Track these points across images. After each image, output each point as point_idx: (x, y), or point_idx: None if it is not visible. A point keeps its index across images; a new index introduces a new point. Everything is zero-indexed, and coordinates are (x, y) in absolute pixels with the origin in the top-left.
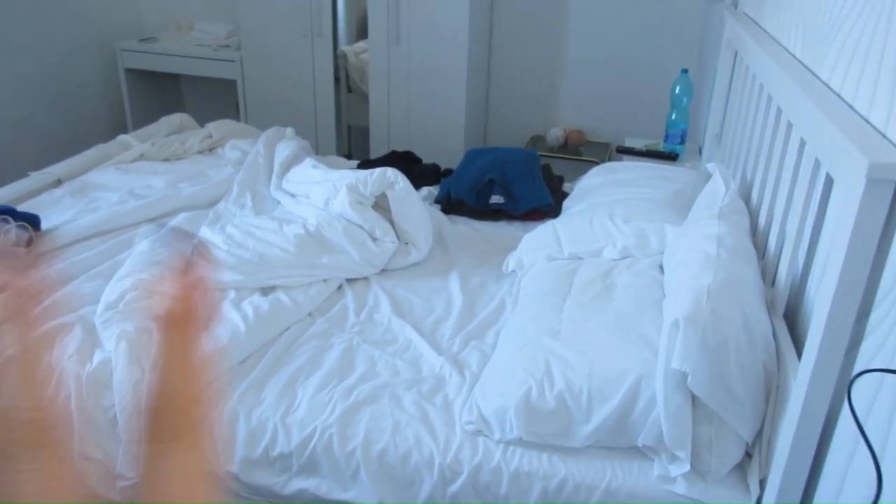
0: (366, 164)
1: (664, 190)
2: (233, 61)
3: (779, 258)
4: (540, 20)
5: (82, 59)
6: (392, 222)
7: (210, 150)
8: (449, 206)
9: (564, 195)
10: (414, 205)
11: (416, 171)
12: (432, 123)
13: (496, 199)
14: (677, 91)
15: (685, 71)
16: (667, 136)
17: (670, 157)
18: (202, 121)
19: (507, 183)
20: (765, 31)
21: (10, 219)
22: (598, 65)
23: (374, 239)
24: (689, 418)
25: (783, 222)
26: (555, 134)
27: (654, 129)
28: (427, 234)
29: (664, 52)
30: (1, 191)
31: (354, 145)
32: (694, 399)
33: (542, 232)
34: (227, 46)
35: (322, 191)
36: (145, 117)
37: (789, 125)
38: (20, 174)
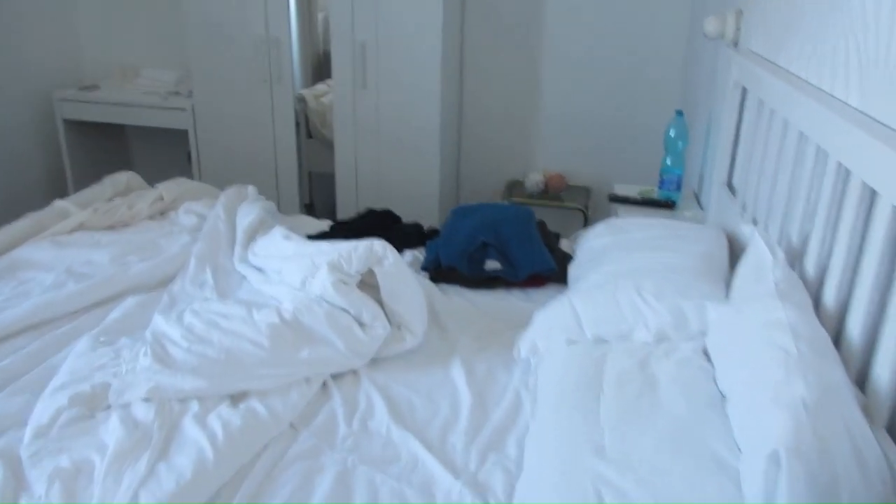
0: (340, 226)
1: (689, 254)
2: (184, 110)
3: (871, 352)
4: (513, 59)
5: (15, 109)
6: (380, 302)
7: (161, 214)
8: (438, 273)
9: (565, 255)
10: (407, 282)
11: (397, 231)
12: (403, 172)
13: (492, 264)
14: (672, 134)
15: (680, 113)
16: (661, 183)
17: (667, 205)
18: (151, 176)
19: (502, 245)
20: (790, 71)
21: None
22: (576, 106)
23: (362, 324)
24: None
25: (868, 302)
26: (534, 179)
27: (637, 173)
28: (422, 315)
29: (647, 92)
30: None
31: (316, 193)
32: None
33: (557, 310)
34: (178, 94)
35: (298, 268)
36: (87, 173)
37: (846, 173)
38: None
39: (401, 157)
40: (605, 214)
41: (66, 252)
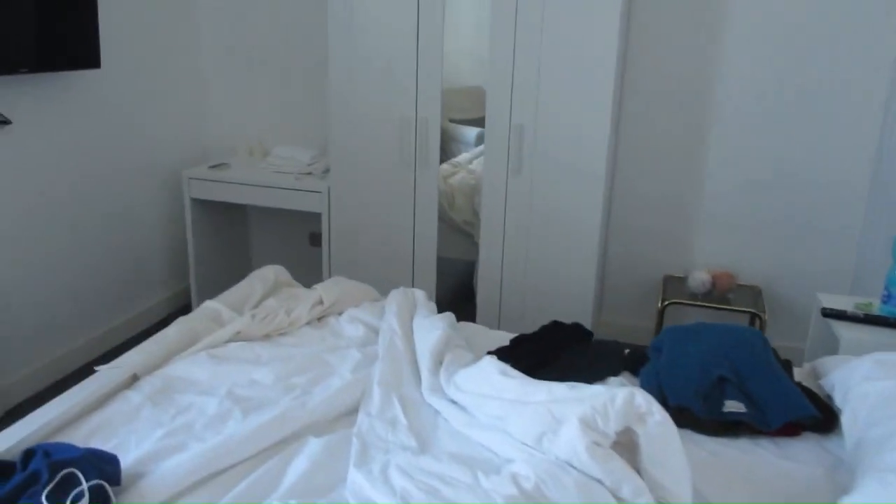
0: (523, 340)
1: None
2: (318, 192)
3: None
4: (673, 134)
5: (145, 187)
6: (638, 470)
7: (319, 319)
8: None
9: (812, 394)
10: (675, 445)
11: (593, 352)
12: (555, 269)
13: (733, 405)
14: None
15: None
16: (888, 297)
17: (893, 323)
18: (271, 257)
19: (742, 381)
20: None
21: (78, 474)
22: (744, 194)
23: (618, 499)
24: None
25: None
26: (699, 278)
27: (813, 275)
28: (688, 485)
29: (827, 187)
30: (61, 399)
31: (440, 279)
32: None
33: None
34: (310, 174)
35: (532, 419)
36: (206, 250)
37: None
38: (72, 330)
39: (552, 252)
40: (786, 322)
41: (225, 369)
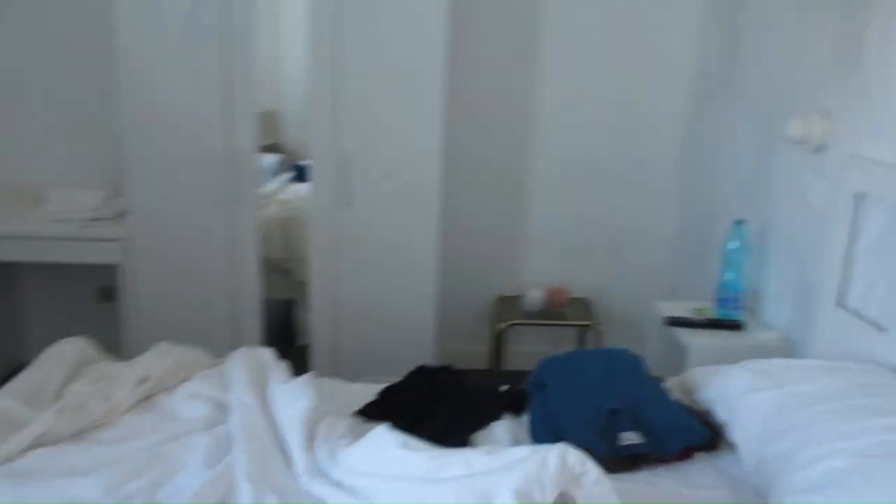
0: (391, 393)
1: None
2: (112, 240)
3: None
4: (500, 159)
5: None
6: None
7: (145, 399)
8: None
9: (697, 413)
10: (614, 502)
11: (469, 397)
12: (393, 301)
13: (631, 438)
14: (732, 246)
15: (739, 222)
16: (721, 301)
17: (734, 326)
18: (51, 322)
19: (633, 411)
20: None
21: None
22: (567, 209)
23: None
24: None
25: None
26: (534, 296)
27: (635, 282)
28: None
29: (646, 185)
30: None
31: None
32: None
33: None
34: (99, 220)
35: (453, 497)
36: None
37: None
38: None
39: (391, 280)
40: (619, 331)
41: (30, 491)
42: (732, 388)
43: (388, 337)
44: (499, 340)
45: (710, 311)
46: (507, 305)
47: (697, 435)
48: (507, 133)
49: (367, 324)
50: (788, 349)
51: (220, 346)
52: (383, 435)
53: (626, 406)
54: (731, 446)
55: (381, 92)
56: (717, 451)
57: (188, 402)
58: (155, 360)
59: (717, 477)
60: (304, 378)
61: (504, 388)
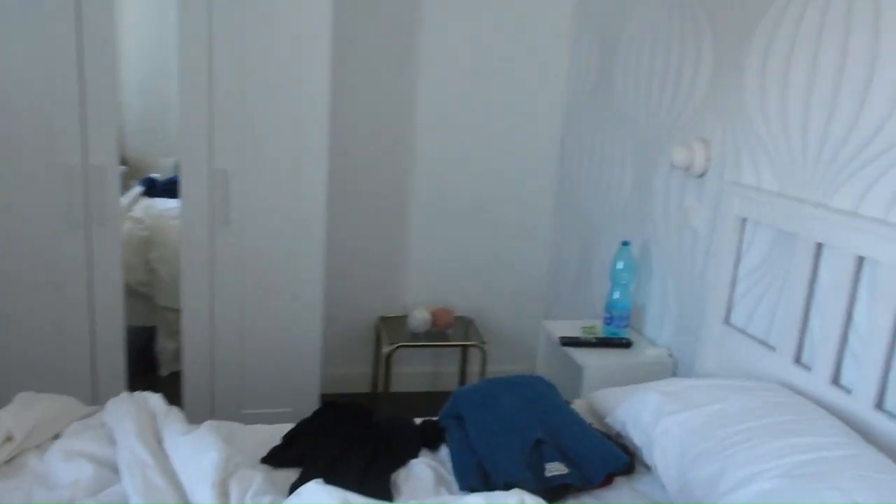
0: (297, 435)
1: (829, 433)
2: None
3: None
4: (379, 182)
5: None
6: None
7: (9, 461)
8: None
9: (603, 436)
10: None
11: (384, 435)
12: (276, 327)
13: (556, 469)
14: (620, 266)
15: (626, 243)
16: (610, 319)
17: (623, 344)
18: None
19: (555, 440)
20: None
21: None
22: (443, 230)
23: None
24: None
25: None
26: (419, 317)
27: (520, 300)
28: None
29: (522, 208)
30: None
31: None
32: None
33: None
34: None
35: None
36: None
37: None
38: None
39: (274, 305)
40: (502, 349)
41: None
42: (644, 412)
43: (271, 364)
44: (387, 363)
45: (599, 329)
46: (392, 327)
47: (619, 461)
48: (387, 158)
49: (247, 351)
50: (675, 366)
51: (77, 382)
52: (317, 492)
53: (547, 436)
54: (646, 468)
55: (259, 108)
56: (633, 475)
57: (66, 463)
58: (21, 414)
59: (640, 500)
60: (206, 426)
61: (418, 421)
